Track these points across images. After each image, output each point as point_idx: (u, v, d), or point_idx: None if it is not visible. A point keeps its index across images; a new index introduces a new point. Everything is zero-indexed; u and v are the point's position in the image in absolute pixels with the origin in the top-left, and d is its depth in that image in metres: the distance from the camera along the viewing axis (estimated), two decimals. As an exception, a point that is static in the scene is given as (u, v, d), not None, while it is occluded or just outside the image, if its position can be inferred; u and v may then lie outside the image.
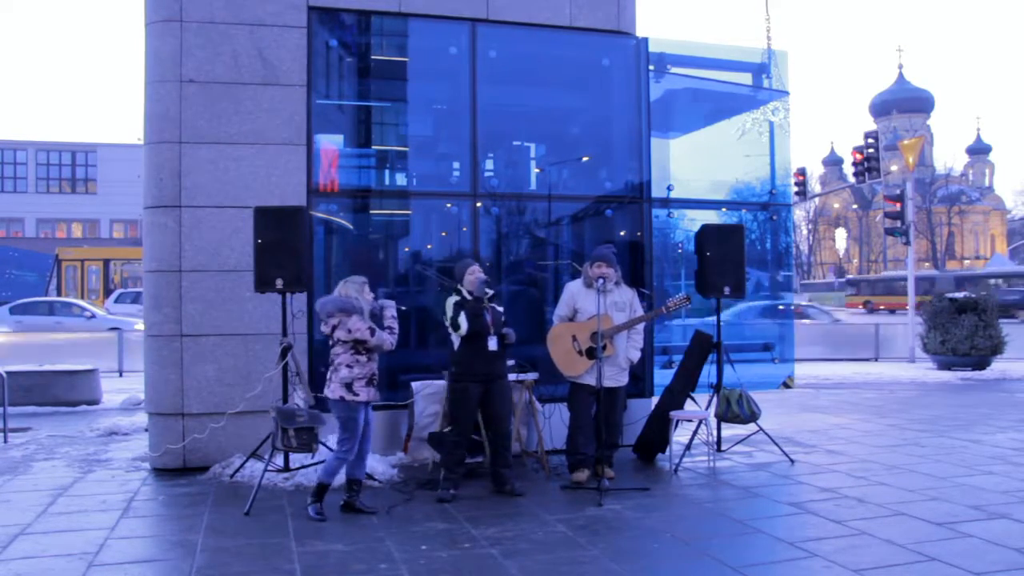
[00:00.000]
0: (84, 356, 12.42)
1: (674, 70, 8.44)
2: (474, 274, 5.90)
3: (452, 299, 5.89)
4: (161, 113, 6.73)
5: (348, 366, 5.31)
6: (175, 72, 6.72)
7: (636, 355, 6.47)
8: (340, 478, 5.51)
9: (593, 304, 6.18)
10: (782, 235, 9.55)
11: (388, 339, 5.36)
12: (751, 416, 6.96)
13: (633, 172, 8.03)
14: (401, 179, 8.41)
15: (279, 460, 6.29)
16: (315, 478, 5.52)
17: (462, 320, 5.75)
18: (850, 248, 76.61)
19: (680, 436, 7.12)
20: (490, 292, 5.96)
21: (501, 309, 6.07)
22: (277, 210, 6.32)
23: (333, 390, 5.32)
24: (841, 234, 78.41)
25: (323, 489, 5.33)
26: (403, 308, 5.71)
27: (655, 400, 7.34)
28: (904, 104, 73.47)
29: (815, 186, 62.73)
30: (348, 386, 5.28)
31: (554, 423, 6.90)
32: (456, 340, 5.89)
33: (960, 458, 7.01)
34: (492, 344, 5.86)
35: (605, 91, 8.49)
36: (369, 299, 5.45)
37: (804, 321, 20.45)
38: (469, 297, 5.85)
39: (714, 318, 7.34)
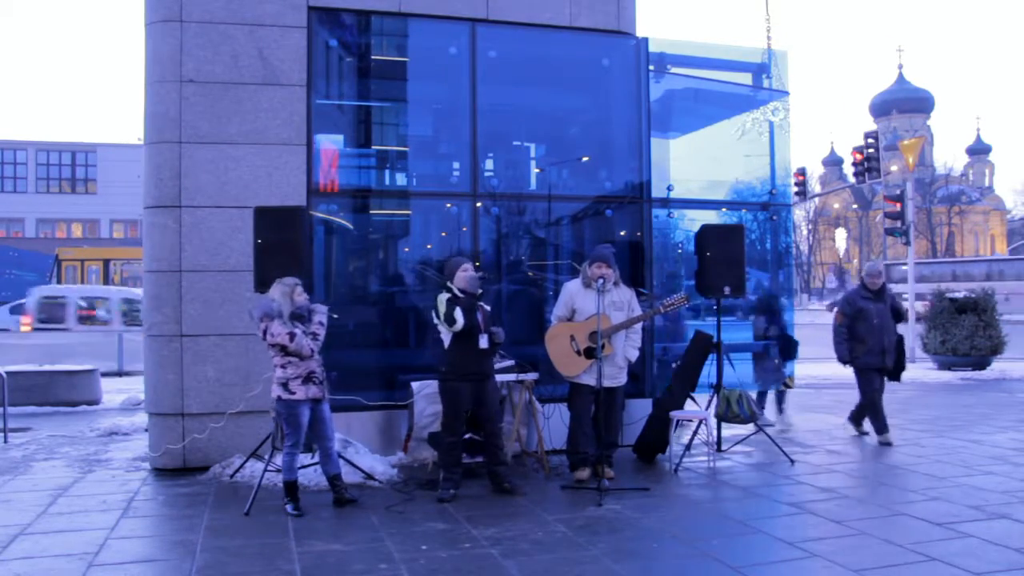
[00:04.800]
0: (84, 356, 12.43)
1: (674, 70, 8.44)
2: (467, 271, 5.90)
3: (444, 296, 5.85)
4: (161, 113, 6.73)
5: (282, 367, 5.43)
6: (175, 72, 6.72)
7: (634, 355, 6.47)
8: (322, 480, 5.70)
9: (591, 304, 6.18)
10: (782, 235, 9.55)
11: (307, 345, 5.41)
12: (751, 416, 6.96)
13: (633, 172, 8.03)
14: (401, 179, 8.42)
15: (279, 460, 6.27)
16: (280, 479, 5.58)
17: (458, 315, 5.71)
18: (850, 248, 76.63)
19: (680, 436, 7.12)
20: (479, 291, 5.96)
21: (489, 308, 6.07)
22: (277, 210, 6.32)
23: (273, 390, 5.49)
24: (841, 234, 78.43)
25: (290, 487, 5.43)
26: (335, 316, 5.73)
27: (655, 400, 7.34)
28: (904, 104, 73.52)
29: (815, 186, 62.72)
30: (284, 385, 5.42)
31: (554, 423, 6.89)
32: (447, 339, 5.86)
33: (960, 458, 7.01)
34: (483, 342, 5.86)
35: (605, 91, 8.49)
36: (300, 300, 5.51)
37: None
38: (461, 295, 5.84)
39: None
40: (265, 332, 5.38)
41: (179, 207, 6.70)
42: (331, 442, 5.66)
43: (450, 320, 5.74)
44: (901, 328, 8.26)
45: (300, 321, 5.45)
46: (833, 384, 12.75)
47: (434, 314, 5.89)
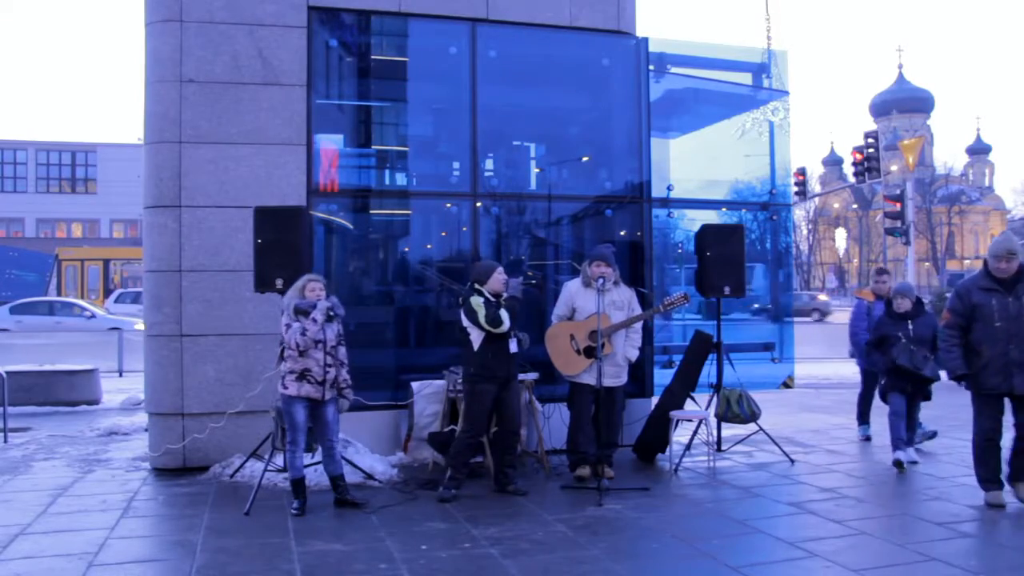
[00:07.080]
0: (84, 356, 12.43)
1: (674, 70, 8.44)
2: (503, 274, 5.91)
3: (478, 299, 5.81)
4: (161, 113, 6.73)
5: (284, 360, 5.52)
6: (175, 72, 6.72)
7: (634, 354, 6.47)
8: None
9: (591, 303, 6.18)
10: (782, 235, 9.55)
11: (293, 339, 5.38)
12: (751, 416, 6.96)
13: (633, 172, 8.03)
14: (401, 179, 8.42)
15: (279, 460, 6.28)
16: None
17: (504, 317, 5.73)
18: (850, 248, 76.61)
19: (680, 436, 7.12)
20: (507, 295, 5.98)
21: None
22: (277, 210, 6.33)
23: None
24: (841, 234, 78.39)
25: (296, 484, 5.46)
26: (338, 314, 5.61)
27: (655, 400, 7.35)
28: (904, 104, 73.41)
29: (815, 186, 62.65)
30: (282, 379, 5.50)
31: (554, 423, 6.89)
32: (477, 341, 5.82)
33: (960, 458, 7.00)
34: (513, 346, 5.89)
35: (605, 91, 8.49)
36: (314, 297, 5.52)
37: None
38: (493, 298, 5.83)
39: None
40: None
41: (179, 207, 6.70)
42: (332, 442, 5.64)
43: (496, 322, 5.71)
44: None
45: (304, 316, 5.47)
46: (833, 384, 12.76)
47: (463, 315, 5.86)
